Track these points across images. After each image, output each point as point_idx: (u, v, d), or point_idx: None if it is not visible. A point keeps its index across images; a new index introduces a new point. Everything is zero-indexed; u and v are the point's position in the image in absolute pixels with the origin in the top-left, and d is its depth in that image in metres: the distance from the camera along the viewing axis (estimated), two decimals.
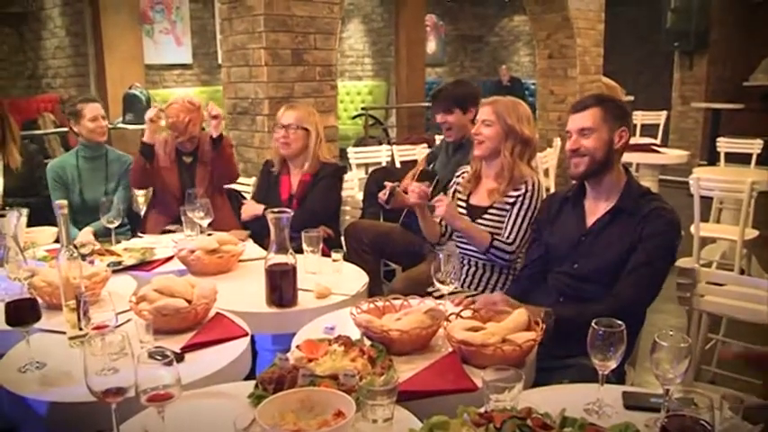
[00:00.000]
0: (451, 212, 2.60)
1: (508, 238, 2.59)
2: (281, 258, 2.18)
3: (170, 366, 1.33)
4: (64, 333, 1.92)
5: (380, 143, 7.82)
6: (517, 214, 2.60)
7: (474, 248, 2.66)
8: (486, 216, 2.68)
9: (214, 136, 3.41)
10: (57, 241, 3.21)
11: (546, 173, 5.66)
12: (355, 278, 2.53)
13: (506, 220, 2.62)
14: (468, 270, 2.72)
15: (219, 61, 7.13)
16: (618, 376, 1.86)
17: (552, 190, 5.44)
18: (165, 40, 9.50)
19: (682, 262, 3.17)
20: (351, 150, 5.80)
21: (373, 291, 3.08)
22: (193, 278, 2.25)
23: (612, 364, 1.43)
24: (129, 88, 6.53)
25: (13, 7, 8.29)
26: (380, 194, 3.33)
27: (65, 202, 1.96)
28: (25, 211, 2.88)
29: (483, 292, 2.63)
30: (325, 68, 4.52)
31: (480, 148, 2.68)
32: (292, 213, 2.20)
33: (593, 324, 1.42)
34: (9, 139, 3.62)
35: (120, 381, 1.32)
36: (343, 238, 3.55)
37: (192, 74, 9.93)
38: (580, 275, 2.13)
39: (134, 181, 3.57)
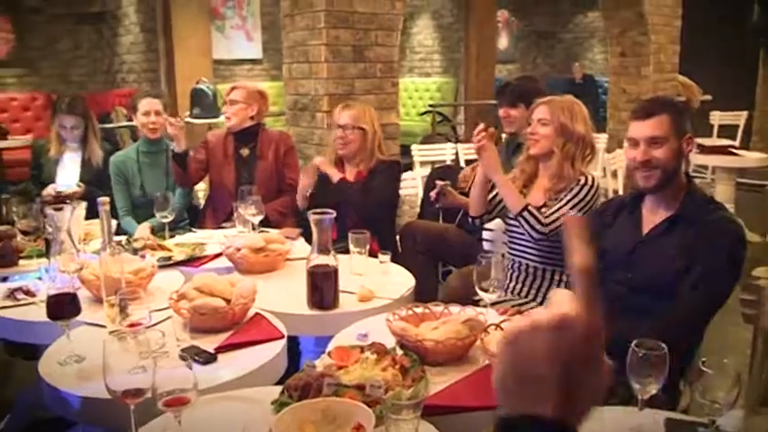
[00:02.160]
0: (493, 163, 2.52)
1: (547, 216, 2.48)
2: (324, 260, 2.14)
3: (189, 370, 1.30)
4: (105, 327, 1.94)
5: (448, 140, 7.73)
6: (566, 202, 2.49)
7: (526, 252, 2.57)
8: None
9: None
10: (116, 234, 3.28)
11: (614, 174, 5.47)
12: (402, 281, 2.47)
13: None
14: (517, 276, 2.62)
15: None
16: (670, 396, 1.75)
17: (621, 192, 5.25)
18: (236, 36, 9.63)
19: (759, 272, 2.98)
20: (415, 148, 5.72)
21: (427, 293, 3.02)
22: (235, 277, 2.24)
23: (653, 389, 1.33)
24: (197, 83, 6.64)
25: (94, 6, 8.56)
26: (431, 193, 3.27)
27: (107, 198, 1.98)
28: (83, 204, 2.93)
29: (534, 299, 2.53)
30: (387, 65, 4.47)
31: (536, 147, 2.59)
32: (335, 215, 2.16)
33: (632, 345, 1.32)
34: (91, 136, 3.74)
35: (141, 382, 1.30)
36: (398, 238, 3.50)
37: (262, 69, 10.04)
38: (634, 285, 2.01)
39: (177, 181, 3.61)
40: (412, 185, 4.28)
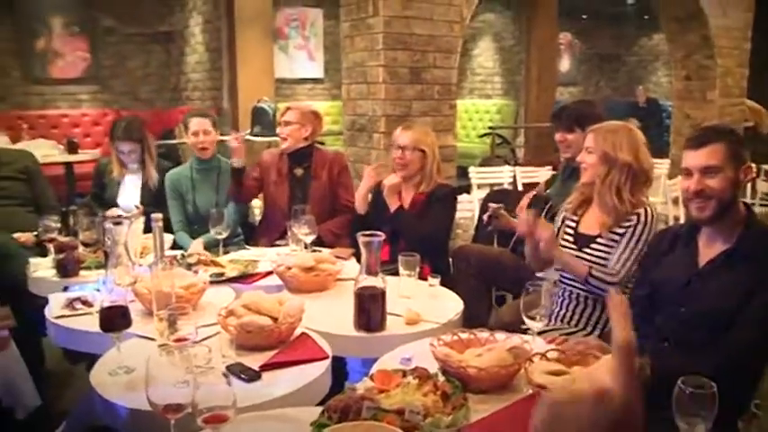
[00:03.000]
0: (549, 244, 2.47)
1: (612, 268, 2.42)
2: (371, 282, 2.14)
3: (229, 387, 1.32)
4: (155, 340, 1.98)
5: (507, 163, 7.68)
6: (626, 245, 2.42)
7: (578, 282, 2.52)
8: (594, 246, 2.52)
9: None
10: (172, 248, 3.35)
11: (676, 201, 5.33)
12: (450, 305, 2.45)
13: (614, 249, 2.46)
14: (568, 304, 2.57)
15: None
16: None
17: (682, 220, 5.11)
18: (299, 55, 9.81)
19: None
20: (473, 170, 5.70)
21: (479, 317, 2.99)
22: (284, 295, 2.26)
23: (701, 431, 1.27)
24: (258, 102, 6.75)
25: (163, 26, 8.85)
26: (484, 215, 3.24)
27: (160, 215, 2.03)
28: (141, 219, 3.00)
29: (583, 329, 2.47)
30: (445, 87, 4.48)
31: (585, 175, 2.55)
32: (383, 237, 2.15)
33: (679, 382, 1.28)
34: (148, 160, 3.82)
35: (182, 397, 1.32)
36: (450, 261, 3.48)
37: (323, 88, 10.18)
38: (687, 320, 1.94)
39: (231, 193, 3.68)
40: (468, 208, 4.25)
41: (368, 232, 2.17)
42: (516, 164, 7.83)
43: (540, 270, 2.70)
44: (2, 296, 3.03)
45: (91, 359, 2.29)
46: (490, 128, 9.17)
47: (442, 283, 2.65)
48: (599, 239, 2.51)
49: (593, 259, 2.49)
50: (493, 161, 7.96)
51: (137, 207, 3.64)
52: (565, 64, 12.14)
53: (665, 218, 4.95)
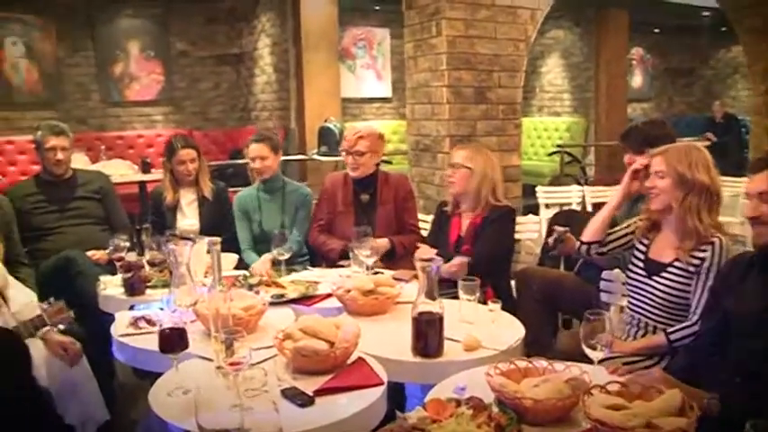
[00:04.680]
0: (617, 348, 2.35)
1: (692, 317, 2.31)
2: (429, 307, 2.12)
3: (276, 414, 1.31)
4: (213, 361, 2.00)
5: (578, 182, 7.53)
6: (703, 288, 2.31)
7: (649, 311, 2.42)
8: (665, 274, 2.41)
9: None
10: (236, 268, 3.40)
11: None
12: (511, 331, 2.39)
13: (692, 294, 2.35)
14: (636, 332, 2.47)
15: None
16: None
17: None
18: (366, 75, 9.89)
19: None
20: (540, 189, 5.59)
21: (542, 342, 2.92)
22: (342, 319, 2.25)
23: None
24: (325, 122, 6.85)
25: (233, 49, 9.10)
26: (549, 238, 3.17)
27: (218, 239, 2.06)
28: (205, 240, 3.06)
29: (649, 358, 2.37)
30: (510, 107, 4.44)
31: (655, 201, 2.44)
32: (441, 262, 2.13)
33: (747, 425, 1.20)
34: (201, 175, 3.92)
35: (231, 422, 1.33)
36: (513, 284, 3.41)
37: (391, 107, 10.24)
38: (762, 353, 1.84)
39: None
40: (534, 229, 4.15)
41: (426, 256, 2.15)
42: (586, 183, 7.67)
43: (591, 238, 2.74)
44: (76, 311, 3.15)
45: (158, 375, 2.35)
46: (558, 146, 9.03)
47: (505, 307, 2.59)
48: (670, 268, 2.40)
49: (664, 288, 2.39)
50: (562, 180, 7.83)
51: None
52: (637, 79, 11.87)
53: (742, 239, 4.74)
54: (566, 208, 5.10)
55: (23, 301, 2.87)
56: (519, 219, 3.71)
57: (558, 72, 10.46)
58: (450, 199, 3.41)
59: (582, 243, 2.78)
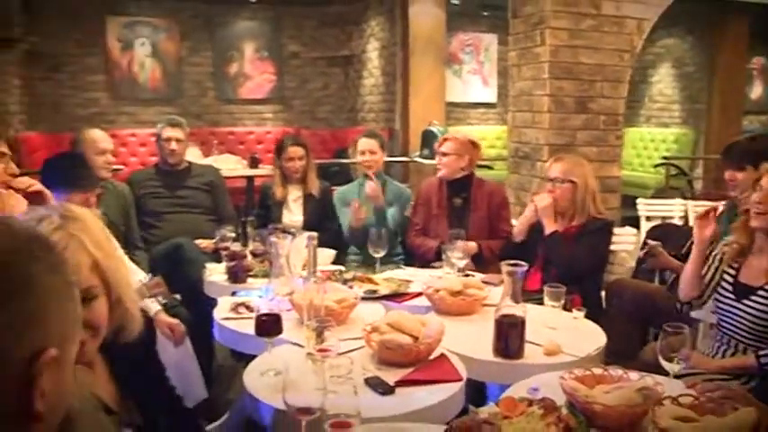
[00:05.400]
0: (698, 363, 2.33)
1: None
2: (512, 310, 2.19)
3: (356, 397, 1.42)
4: (303, 347, 2.14)
5: (683, 196, 7.31)
6: None
7: (739, 332, 2.38)
8: (756, 298, 2.34)
9: None
10: (334, 263, 3.56)
11: None
12: (592, 339, 2.42)
13: None
14: (725, 351, 2.43)
15: None
16: None
17: None
18: (472, 80, 9.93)
19: None
20: (641, 202, 5.47)
21: (628, 355, 2.91)
22: (428, 317, 2.34)
23: None
24: (428, 125, 6.95)
25: (343, 51, 9.37)
26: (641, 252, 3.15)
27: (315, 234, 2.20)
28: (305, 234, 3.23)
29: (735, 378, 2.32)
30: (611, 117, 4.40)
31: (758, 219, 2.34)
32: (526, 267, 2.19)
33: None
34: (310, 170, 4.09)
35: (314, 402, 1.44)
36: (603, 295, 3.41)
37: (496, 113, 10.22)
38: None
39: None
40: (629, 242, 4.10)
41: (512, 261, 2.22)
42: (693, 197, 7.42)
43: (688, 299, 2.58)
44: (182, 295, 3.40)
45: (252, 357, 2.52)
46: (664, 158, 8.76)
47: (594, 317, 2.62)
48: (760, 291, 2.35)
49: (755, 312, 2.33)
50: (667, 193, 7.59)
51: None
52: (757, 90, 11.31)
53: None
54: (667, 221, 4.99)
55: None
56: (616, 230, 3.69)
57: (669, 82, 10.13)
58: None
59: (682, 304, 2.63)
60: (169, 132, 4.08)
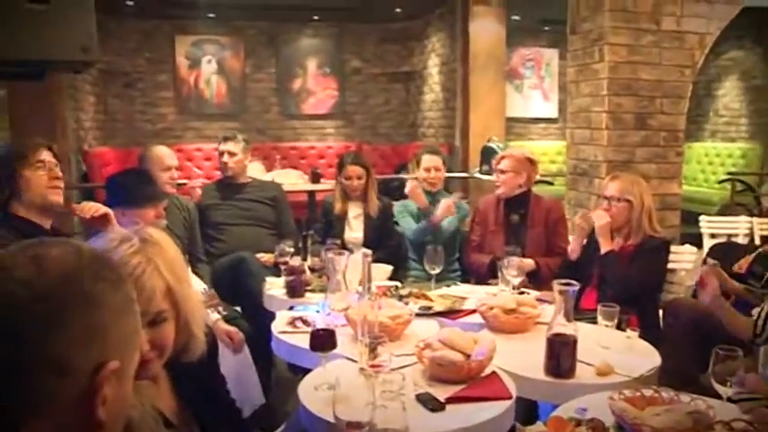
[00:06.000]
0: (756, 388, 2.31)
1: None
2: (564, 329, 2.20)
3: (403, 412, 1.47)
4: (357, 362, 2.19)
5: (751, 213, 7.11)
6: None
7: None
8: None
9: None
10: (391, 278, 3.61)
11: None
12: (646, 360, 2.40)
13: None
14: None
15: None
16: None
17: None
18: (533, 95, 9.90)
19: None
20: (704, 219, 5.35)
21: (687, 376, 2.87)
22: (481, 334, 2.37)
23: None
24: (488, 141, 6.96)
25: (404, 67, 9.48)
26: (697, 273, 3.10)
27: (369, 251, 2.25)
28: (362, 250, 3.29)
29: None
30: (671, 134, 4.34)
31: None
32: (578, 287, 2.20)
33: None
34: (370, 189, 4.15)
35: (362, 416, 1.50)
36: (660, 314, 3.37)
37: (557, 128, 10.15)
38: None
39: None
40: (688, 260, 4.02)
41: (564, 280, 2.23)
42: (760, 214, 7.21)
43: (746, 338, 2.54)
44: (243, 307, 3.50)
45: (310, 372, 2.60)
46: (730, 173, 8.54)
47: (652, 337, 2.60)
48: None
49: None
50: (732, 209, 7.40)
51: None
52: None
53: None
54: (722, 242, 4.87)
55: None
56: (675, 248, 3.64)
57: (735, 95, 9.87)
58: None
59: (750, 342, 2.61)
60: (222, 147, 4.23)
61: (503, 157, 3.76)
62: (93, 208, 2.68)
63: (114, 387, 0.87)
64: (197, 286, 3.29)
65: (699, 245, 4.71)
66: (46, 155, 2.55)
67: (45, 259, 0.86)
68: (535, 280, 3.51)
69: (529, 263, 3.50)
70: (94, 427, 0.86)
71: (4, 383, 0.81)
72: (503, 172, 3.70)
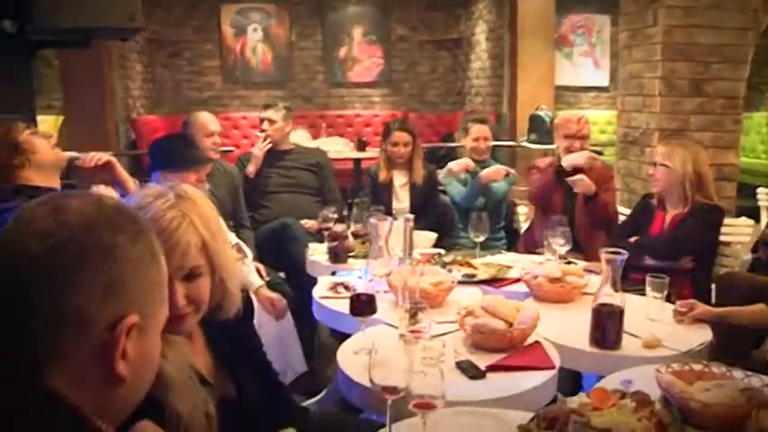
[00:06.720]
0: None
1: None
2: (610, 299, 2.14)
3: (441, 379, 1.43)
4: (397, 328, 2.17)
5: None
6: None
7: None
8: None
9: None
10: (435, 246, 3.57)
11: None
12: (697, 334, 2.32)
13: None
14: None
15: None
16: None
17: None
18: (584, 63, 9.63)
19: None
20: (762, 192, 5.17)
21: (738, 352, 2.78)
22: (524, 303, 2.33)
23: None
24: (536, 109, 6.82)
25: (451, 34, 9.33)
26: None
27: (411, 216, 2.21)
28: (405, 215, 3.25)
29: None
30: (729, 101, 4.16)
31: None
32: (626, 255, 2.13)
33: None
34: (416, 156, 4.12)
35: (400, 381, 1.47)
36: (714, 288, 3.26)
37: (608, 96, 9.87)
38: None
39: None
40: (744, 233, 3.88)
41: (611, 249, 2.17)
42: None
43: None
44: (286, 273, 3.51)
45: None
46: None
47: None
48: None
49: None
50: None
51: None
52: None
53: None
54: None
55: None
56: (730, 221, 3.52)
57: None
58: (655, 192, 3.34)
59: None
60: (263, 114, 4.26)
61: (586, 122, 3.80)
62: (94, 157, 2.58)
63: (135, 342, 0.85)
64: (248, 253, 3.31)
65: (756, 218, 4.55)
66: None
67: (64, 211, 0.84)
68: (581, 250, 3.44)
69: (590, 184, 3.54)
70: (114, 381, 0.84)
71: (23, 333, 0.81)
72: (585, 138, 3.76)
